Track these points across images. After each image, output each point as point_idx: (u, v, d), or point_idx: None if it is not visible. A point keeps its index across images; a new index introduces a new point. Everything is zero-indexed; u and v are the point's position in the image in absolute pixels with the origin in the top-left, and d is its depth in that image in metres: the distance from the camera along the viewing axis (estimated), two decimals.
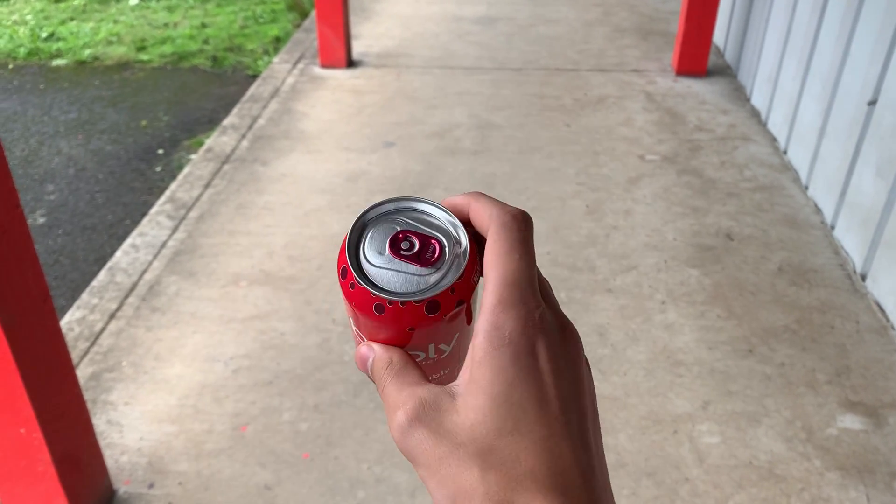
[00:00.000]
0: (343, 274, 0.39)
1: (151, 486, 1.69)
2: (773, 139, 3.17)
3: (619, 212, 2.68)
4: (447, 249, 0.39)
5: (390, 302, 0.38)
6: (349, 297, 0.39)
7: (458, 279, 0.38)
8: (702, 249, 2.48)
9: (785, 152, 3.06)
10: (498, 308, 0.35)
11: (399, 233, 0.40)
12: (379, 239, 0.40)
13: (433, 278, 0.38)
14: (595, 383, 0.38)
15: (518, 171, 2.94)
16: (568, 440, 0.35)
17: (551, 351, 0.36)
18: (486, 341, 0.35)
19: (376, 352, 0.40)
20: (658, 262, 2.42)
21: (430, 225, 0.40)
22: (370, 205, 0.41)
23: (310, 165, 2.99)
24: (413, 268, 0.39)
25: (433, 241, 0.39)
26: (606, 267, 2.40)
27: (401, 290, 0.38)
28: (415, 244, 0.39)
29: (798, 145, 2.94)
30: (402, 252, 0.39)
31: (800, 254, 2.46)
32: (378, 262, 0.39)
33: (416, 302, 0.38)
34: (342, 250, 0.39)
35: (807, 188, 2.81)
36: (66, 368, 1.48)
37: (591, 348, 2.07)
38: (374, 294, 0.38)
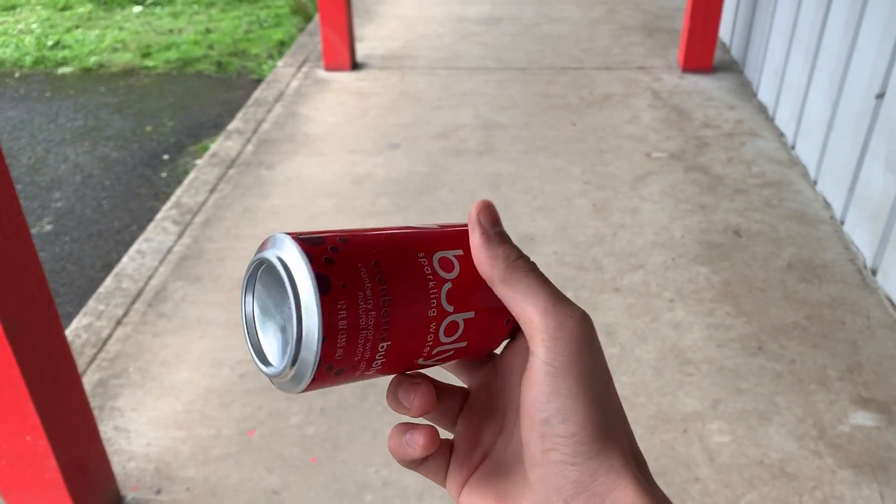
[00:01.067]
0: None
1: (159, 491, 1.69)
2: (781, 134, 3.15)
3: (626, 210, 2.66)
4: None
5: None
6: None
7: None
8: (710, 246, 2.46)
9: (793, 147, 3.03)
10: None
11: None
12: None
13: None
14: None
15: (524, 170, 2.92)
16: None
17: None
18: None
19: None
20: (666, 260, 2.40)
21: None
22: None
23: (315, 168, 2.99)
24: None
25: None
26: (614, 266, 2.38)
27: None
28: None
29: (806, 140, 2.91)
30: None
31: (809, 249, 2.44)
32: None
33: None
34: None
35: (815, 183, 2.78)
36: (71, 375, 1.48)
37: None
38: None
